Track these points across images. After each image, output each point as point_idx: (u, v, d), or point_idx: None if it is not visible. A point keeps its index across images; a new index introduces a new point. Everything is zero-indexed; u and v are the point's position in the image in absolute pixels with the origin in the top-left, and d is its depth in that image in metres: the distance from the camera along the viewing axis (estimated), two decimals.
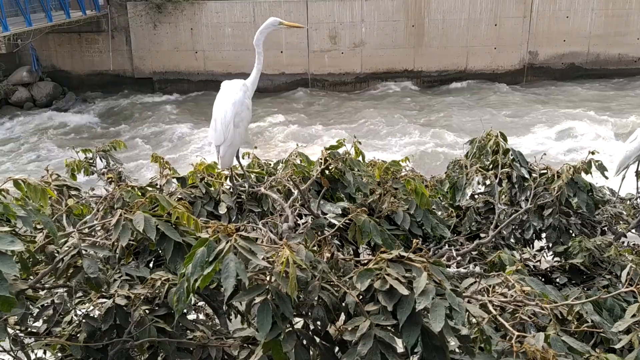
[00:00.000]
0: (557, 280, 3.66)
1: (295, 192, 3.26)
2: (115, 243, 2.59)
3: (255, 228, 2.77)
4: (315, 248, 2.73)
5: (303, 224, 3.03)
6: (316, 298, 2.29)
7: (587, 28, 22.85)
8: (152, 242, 2.55)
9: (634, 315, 2.06)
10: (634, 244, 4.31)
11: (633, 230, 4.57)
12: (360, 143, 3.80)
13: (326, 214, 3.18)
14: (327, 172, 3.34)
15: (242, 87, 3.65)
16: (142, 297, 2.54)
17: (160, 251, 2.71)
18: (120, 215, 2.54)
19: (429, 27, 23.14)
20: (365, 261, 2.44)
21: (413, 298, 2.06)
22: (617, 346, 2.10)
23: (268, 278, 2.10)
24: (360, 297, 2.24)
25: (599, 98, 20.91)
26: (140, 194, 3.11)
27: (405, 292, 2.05)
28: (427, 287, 2.06)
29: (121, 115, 22.29)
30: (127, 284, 2.59)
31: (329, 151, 3.35)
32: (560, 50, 23.14)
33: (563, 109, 19.62)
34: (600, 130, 17.32)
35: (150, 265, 3.04)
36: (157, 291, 2.58)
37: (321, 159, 3.35)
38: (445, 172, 4.53)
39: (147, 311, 2.50)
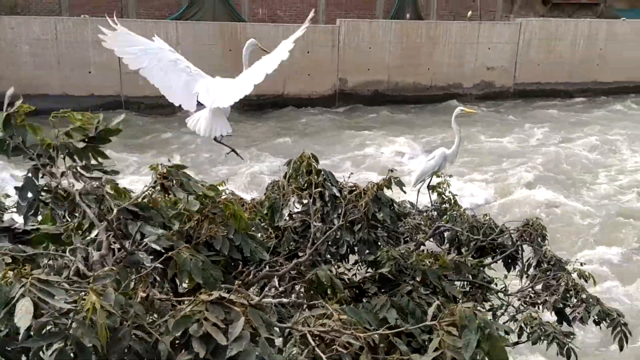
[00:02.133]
0: (369, 290, 3.93)
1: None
2: None
3: (62, 256, 2.48)
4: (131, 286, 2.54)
5: (119, 250, 2.79)
6: (127, 346, 2.12)
7: (386, 59, 25.36)
8: None
9: (434, 317, 2.21)
10: (431, 251, 4.84)
11: (431, 239, 5.14)
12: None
13: (144, 235, 2.95)
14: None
15: None
16: None
17: None
18: None
19: None
20: (186, 300, 2.33)
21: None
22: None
23: (69, 323, 1.89)
24: (176, 342, 2.13)
25: (400, 121, 23.28)
26: None
27: (223, 341, 1.98)
28: (242, 333, 2.01)
29: None
30: None
31: None
32: (365, 78, 25.30)
33: (370, 130, 21.44)
34: (402, 149, 19.27)
35: None
36: None
37: None
38: (265, 194, 4.61)
39: None
